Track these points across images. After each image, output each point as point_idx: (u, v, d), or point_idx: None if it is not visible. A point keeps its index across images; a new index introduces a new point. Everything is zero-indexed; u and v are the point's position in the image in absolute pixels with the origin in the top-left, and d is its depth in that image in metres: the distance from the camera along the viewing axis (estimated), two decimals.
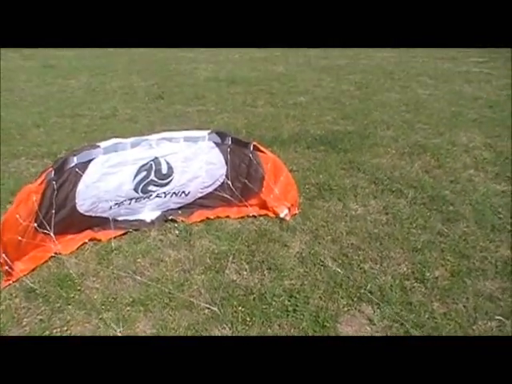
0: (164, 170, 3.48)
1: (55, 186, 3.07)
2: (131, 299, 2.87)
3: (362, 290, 2.88)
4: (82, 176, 3.15)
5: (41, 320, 2.72)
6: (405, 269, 3.10)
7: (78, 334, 2.60)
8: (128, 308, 2.80)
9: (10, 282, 2.98)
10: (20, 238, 2.97)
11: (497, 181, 4.33)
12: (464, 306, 2.74)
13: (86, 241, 3.40)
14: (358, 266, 3.14)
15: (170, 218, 3.68)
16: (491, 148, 5.12)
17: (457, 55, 10.84)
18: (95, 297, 2.90)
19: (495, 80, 8.29)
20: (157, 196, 3.59)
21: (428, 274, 3.03)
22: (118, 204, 3.45)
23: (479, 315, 2.66)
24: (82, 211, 3.30)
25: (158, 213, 3.70)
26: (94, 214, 3.39)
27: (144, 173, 3.41)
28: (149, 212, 3.67)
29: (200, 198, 3.78)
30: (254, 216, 3.70)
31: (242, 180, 3.70)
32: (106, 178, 3.28)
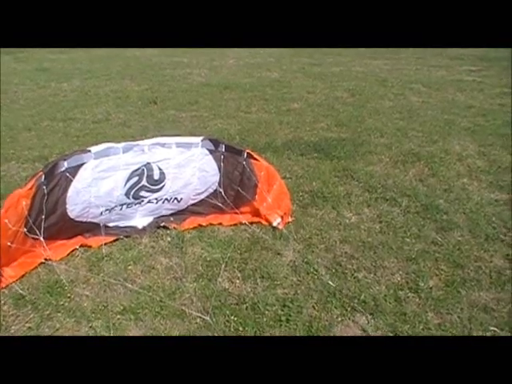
0: (156, 176, 3.44)
1: (45, 191, 3.03)
2: (122, 307, 2.82)
3: (356, 300, 2.86)
4: (72, 181, 3.11)
5: (29, 328, 2.67)
6: (399, 278, 3.08)
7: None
8: (118, 316, 2.75)
9: None
10: (9, 243, 2.92)
11: (490, 189, 4.33)
12: (458, 317, 2.72)
13: (77, 247, 3.36)
14: (352, 275, 3.11)
15: (161, 224, 3.64)
16: (484, 156, 5.12)
17: (450, 63, 10.88)
18: (85, 304, 2.85)
19: (488, 89, 8.31)
20: (148, 202, 3.55)
21: (422, 284, 3.00)
22: (109, 210, 3.41)
23: (474, 326, 2.64)
24: (72, 216, 3.25)
25: (149, 219, 3.65)
26: (84, 220, 3.34)
27: (136, 178, 3.37)
28: (140, 218, 3.62)
29: (192, 204, 3.74)
30: (247, 224, 3.67)
31: (235, 188, 3.67)
32: (97, 183, 3.24)
